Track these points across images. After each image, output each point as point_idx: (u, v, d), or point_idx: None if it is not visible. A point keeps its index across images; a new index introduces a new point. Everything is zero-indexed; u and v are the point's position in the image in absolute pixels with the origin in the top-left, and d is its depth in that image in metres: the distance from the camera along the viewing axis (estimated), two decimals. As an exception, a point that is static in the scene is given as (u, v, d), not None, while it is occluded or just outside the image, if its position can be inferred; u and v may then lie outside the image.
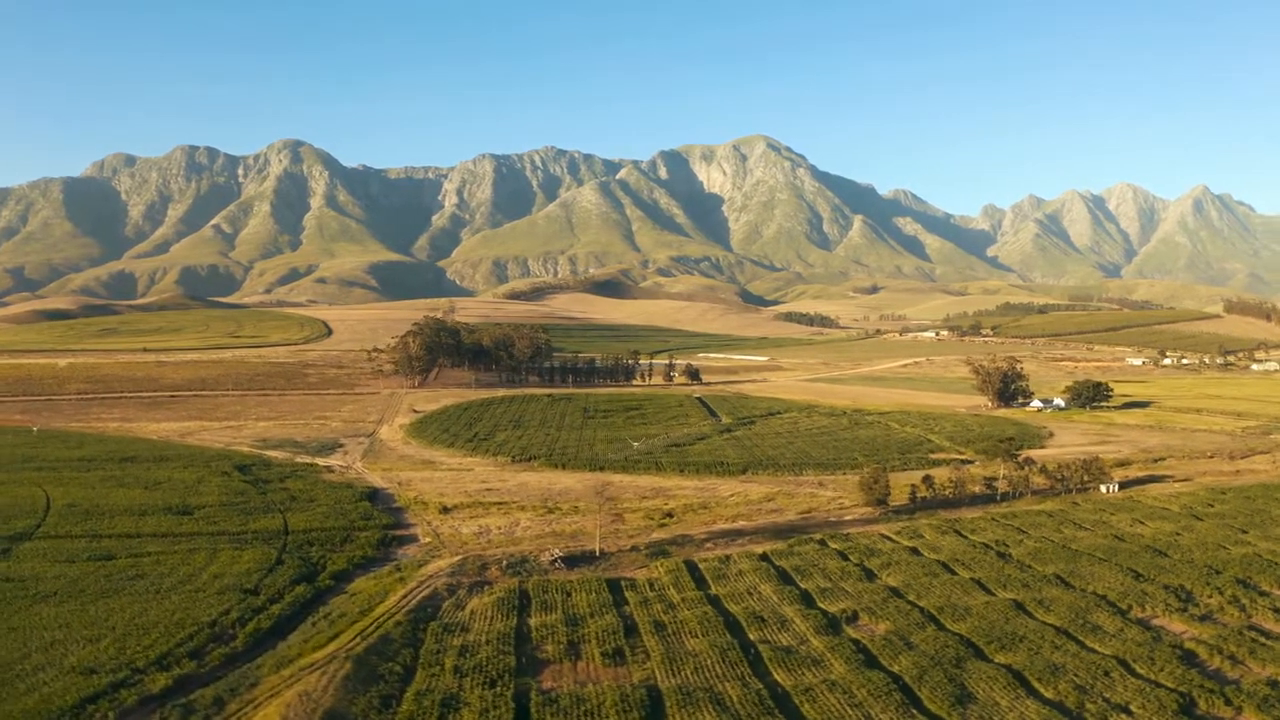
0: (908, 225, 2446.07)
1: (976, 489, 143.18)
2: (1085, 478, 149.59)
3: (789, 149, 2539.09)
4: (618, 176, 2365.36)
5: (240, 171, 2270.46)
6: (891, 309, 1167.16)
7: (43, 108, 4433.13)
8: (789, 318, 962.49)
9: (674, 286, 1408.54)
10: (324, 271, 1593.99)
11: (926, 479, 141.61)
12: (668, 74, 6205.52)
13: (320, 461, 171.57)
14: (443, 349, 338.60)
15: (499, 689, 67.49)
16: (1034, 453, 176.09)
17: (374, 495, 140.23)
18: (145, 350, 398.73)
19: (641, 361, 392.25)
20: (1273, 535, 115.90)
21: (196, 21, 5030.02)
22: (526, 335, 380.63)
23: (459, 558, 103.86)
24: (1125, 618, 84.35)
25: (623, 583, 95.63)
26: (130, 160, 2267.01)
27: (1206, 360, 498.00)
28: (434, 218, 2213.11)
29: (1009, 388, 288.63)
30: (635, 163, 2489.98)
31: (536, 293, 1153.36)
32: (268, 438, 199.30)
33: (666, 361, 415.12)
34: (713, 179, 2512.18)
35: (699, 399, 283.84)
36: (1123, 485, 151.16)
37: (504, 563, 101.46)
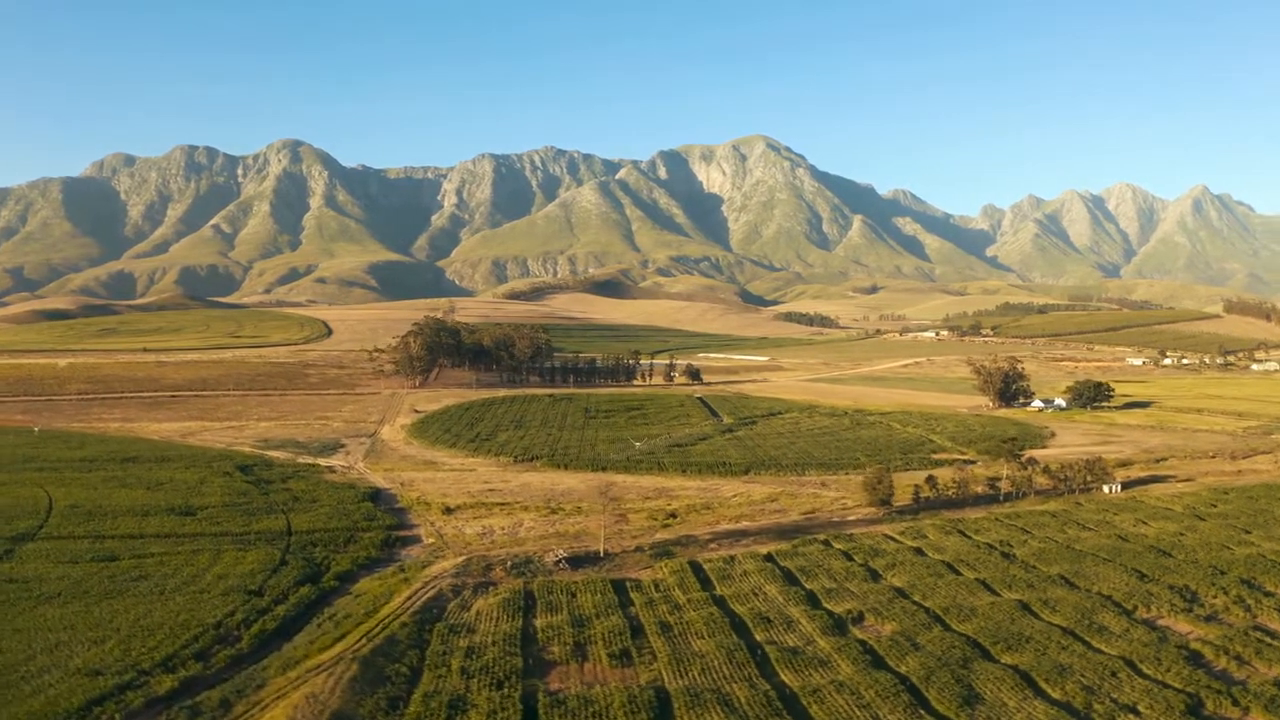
0: (907, 225, 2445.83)
1: (979, 489, 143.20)
2: (1088, 478, 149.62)
3: (789, 149, 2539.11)
4: (617, 176, 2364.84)
5: (240, 171, 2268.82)
6: (891, 309, 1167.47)
7: (42, 108, 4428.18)
8: (789, 318, 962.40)
9: (674, 286, 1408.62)
10: (323, 271, 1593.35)
11: (930, 479, 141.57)
12: (668, 74, 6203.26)
13: (322, 462, 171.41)
14: (443, 349, 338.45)
15: (506, 690, 67.38)
16: (1036, 453, 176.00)
17: (376, 496, 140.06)
18: (145, 350, 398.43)
19: (642, 361, 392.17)
20: (1276, 535, 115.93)
21: (196, 21, 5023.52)
22: (527, 335, 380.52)
23: (463, 558, 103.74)
24: (1131, 618, 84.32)
25: (628, 583, 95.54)
26: (130, 160, 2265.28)
27: (1207, 360, 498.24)
28: (433, 218, 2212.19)
29: (1010, 388, 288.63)
30: (635, 163, 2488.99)
31: (536, 293, 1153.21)
32: (269, 438, 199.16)
33: (667, 361, 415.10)
34: (712, 179, 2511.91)
35: (700, 399, 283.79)
36: (1125, 485, 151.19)
37: (508, 563, 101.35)
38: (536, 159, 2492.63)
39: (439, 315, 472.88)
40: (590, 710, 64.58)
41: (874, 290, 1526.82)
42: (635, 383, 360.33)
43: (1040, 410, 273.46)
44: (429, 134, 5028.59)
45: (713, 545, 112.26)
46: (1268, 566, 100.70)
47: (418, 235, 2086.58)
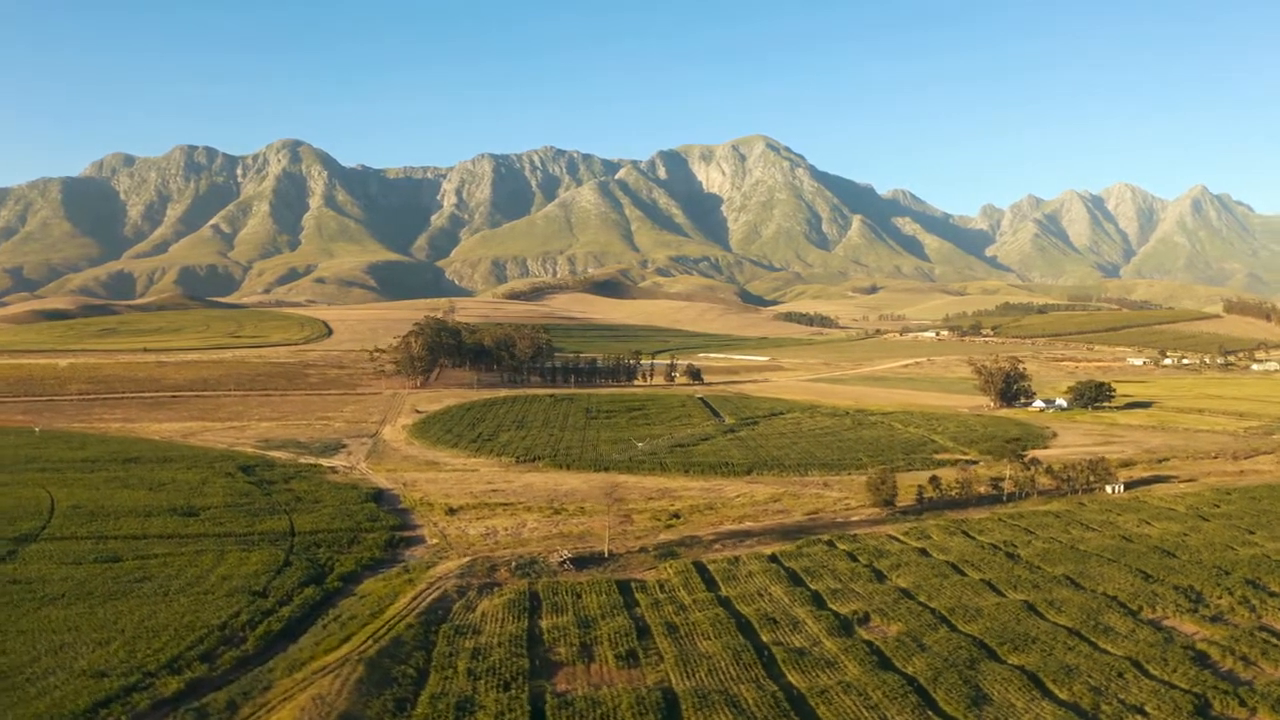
0: (907, 225, 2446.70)
1: (982, 490, 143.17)
2: (1091, 478, 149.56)
3: (788, 149, 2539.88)
4: (617, 176, 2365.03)
5: (239, 171, 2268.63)
6: (891, 309, 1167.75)
7: (42, 108, 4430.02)
8: (789, 318, 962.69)
9: (673, 286, 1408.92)
10: (323, 271, 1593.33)
11: (933, 479, 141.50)
12: (667, 74, 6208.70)
13: (324, 462, 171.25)
14: (444, 349, 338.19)
15: (513, 691, 67.23)
16: (1038, 453, 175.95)
17: (379, 496, 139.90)
18: (146, 350, 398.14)
19: (643, 362, 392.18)
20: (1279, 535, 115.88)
21: (196, 21, 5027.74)
22: (528, 335, 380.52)
23: (467, 559, 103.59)
24: (1136, 619, 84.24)
25: (633, 584, 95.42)
26: (129, 160, 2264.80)
27: (1207, 360, 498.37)
28: (433, 218, 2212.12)
29: (1011, 388, 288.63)
30: (634, 163, 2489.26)
31: (536, 293, 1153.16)
32: (271, 438, 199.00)
33: (668, 361, 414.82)
34: (712, 179, 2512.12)
35: (701, 399, 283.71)
36: (1128, 486, 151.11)
37: (513, 564, 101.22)
38: (536, 159, 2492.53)
39: (439, 315, 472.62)
40: (598, 711, 64.43)
41: (873, 290, 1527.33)
42: (636, 383, 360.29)
43: (1041, 410, 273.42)
44: (429, 134, 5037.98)
45: (717, 546, 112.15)
46: (1272, 567, 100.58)
47: (417, 235, 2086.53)
